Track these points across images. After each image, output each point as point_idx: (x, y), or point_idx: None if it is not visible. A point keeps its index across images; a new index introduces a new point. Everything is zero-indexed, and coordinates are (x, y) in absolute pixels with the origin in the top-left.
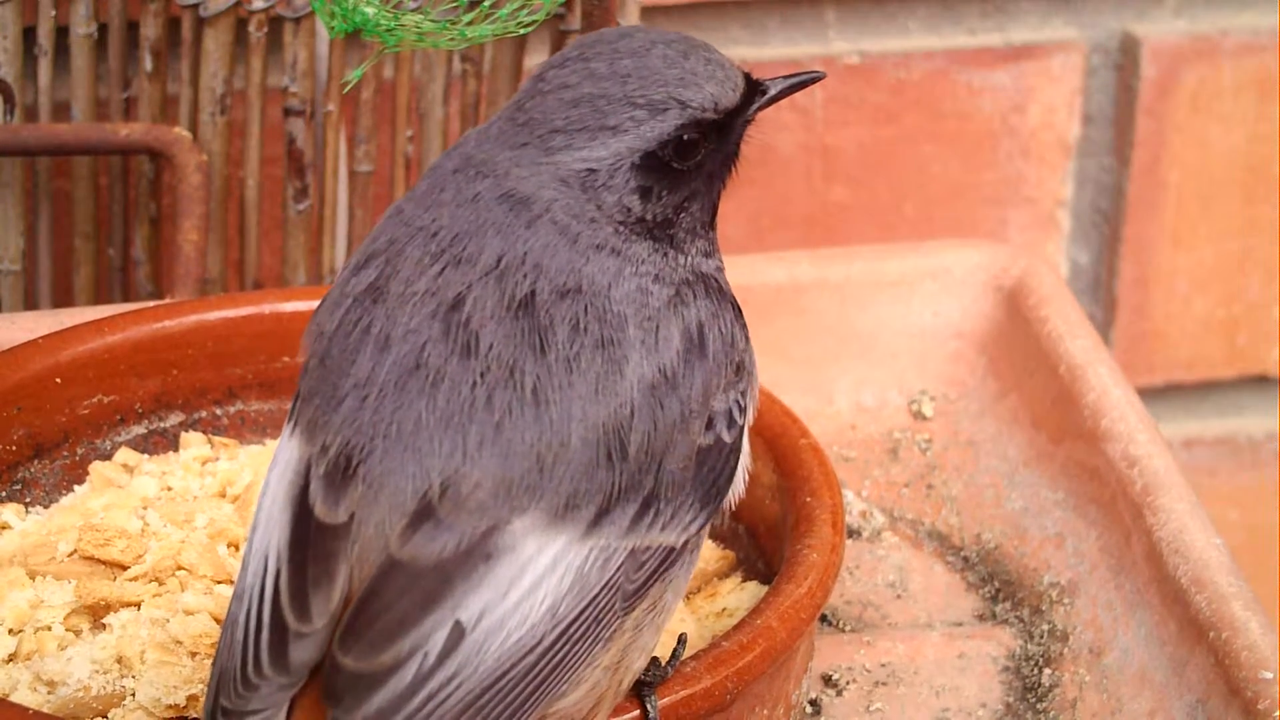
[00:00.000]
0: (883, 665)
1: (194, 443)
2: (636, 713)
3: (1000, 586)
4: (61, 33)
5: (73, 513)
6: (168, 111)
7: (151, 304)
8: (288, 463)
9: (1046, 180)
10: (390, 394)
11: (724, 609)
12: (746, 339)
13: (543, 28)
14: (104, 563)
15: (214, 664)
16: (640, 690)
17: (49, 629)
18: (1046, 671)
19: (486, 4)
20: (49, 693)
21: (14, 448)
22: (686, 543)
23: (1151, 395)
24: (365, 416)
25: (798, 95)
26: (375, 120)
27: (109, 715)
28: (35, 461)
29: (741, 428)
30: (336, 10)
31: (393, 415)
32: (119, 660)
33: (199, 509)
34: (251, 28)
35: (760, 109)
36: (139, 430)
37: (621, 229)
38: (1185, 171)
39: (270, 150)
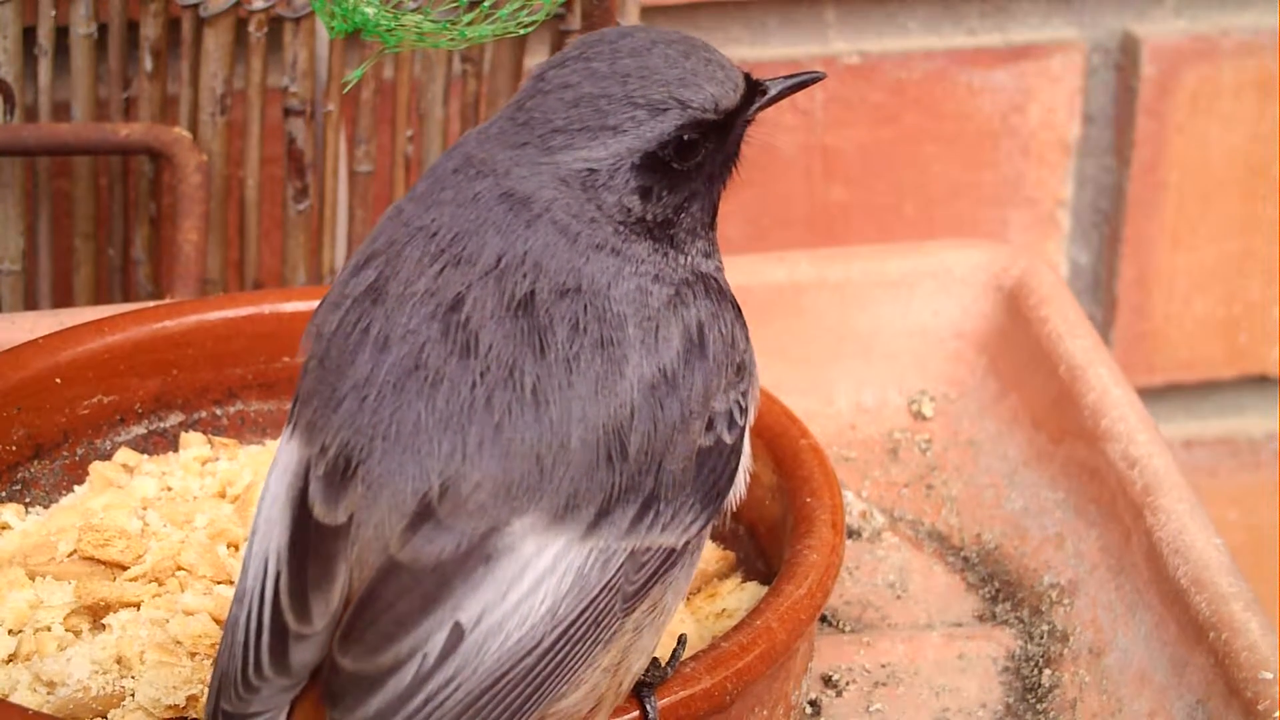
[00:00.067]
0: (883, 666)
1: (194, 443)
2: (636, 713)
3: (1000, 587)
4: (61, 33)
5: (73, 513)
6: (168, 111)
7: (151, 304)
8: (287, 465)
9: (1046, 180)
10: (389, 395)
11: (724, 610)
12: (747, 339)
13: (543, 28)
14: (104, 563)
15: (215, 666)
16: (640, 691)
17: (49, 629)
18: (1046, 672)
19: (486, 4)
20: (49, 693)
21: (14, 448)
22: (687, 544)
23: (1151, 395)
24: (364, 418)
25: (798, 95)
26: (375, 120)
27: (108, 715)
28: (35, 461)
29: (742, 429)
30: (336, 10)
31: (392, 416)
32: (119, 661)
33: (199, 509)
34: (251, 28)
35: (760, 109)
36: (139, 430)
37: (621, 229)
38: (1185, 171)
39: (270, 150)
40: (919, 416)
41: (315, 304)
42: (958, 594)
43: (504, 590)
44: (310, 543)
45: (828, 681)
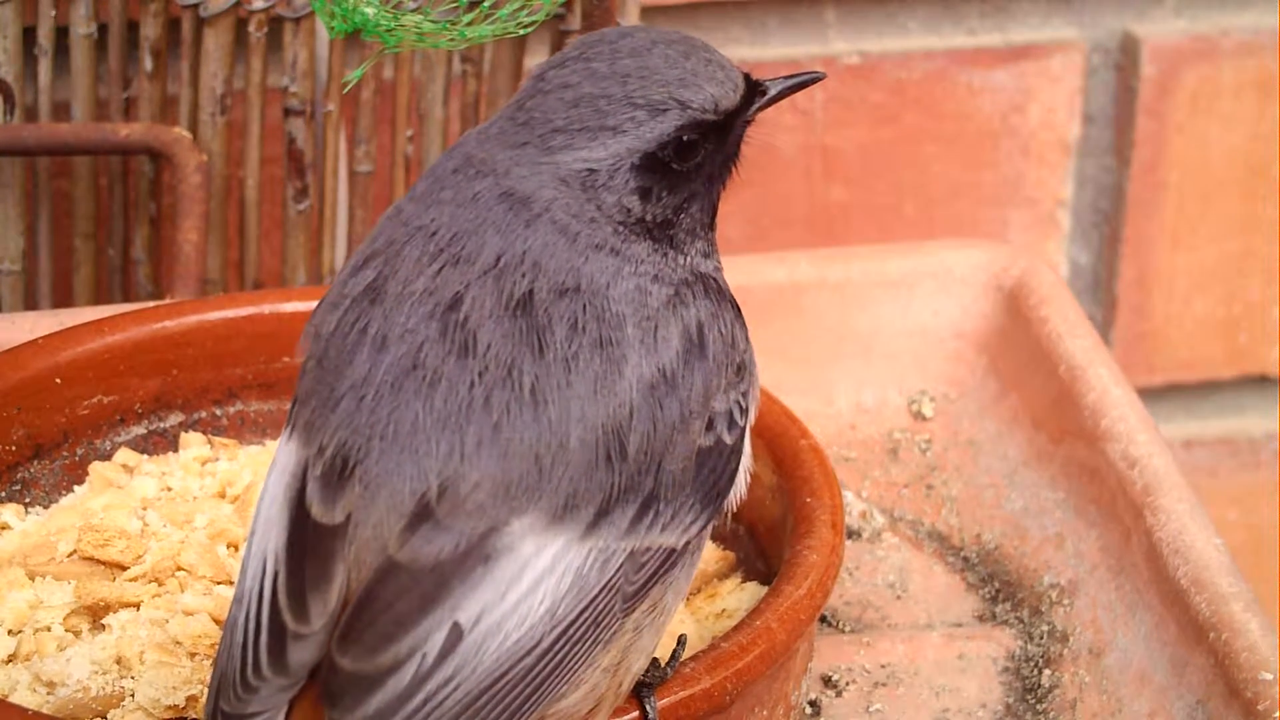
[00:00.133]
0: (882, 666)
1: (194, 443)
2: (636, 713)
3: (1000, 587)
4: (61, 33)
5: (72, 513)
6: (168, 111)
7: (151, 304)
8: (285, 465)
9: (1046, 180)
10: (387, 395)
11: (724, 610)
12: (747, 339)
13: (543, 28)
14: (103, 563)
15: (214, 667)
16: (640, 691)
17: (48, 629)
18: (1046, 672)
19: (486, 4)
20: (48, 693)
21: (14, 448)
22: (687, 544)
23: (1151, 395)
24: (362, 418)
25: (798, 96)
26: (375, 120)
27: (108, 716)
28: (35, 461)
29: (743, 429)
30: (336, 10)
31: (389, 416)
32: (118, 661)
33: (199, 509)
34: (251, 28)
35: (760, 109)
36: (139, 430)
37: (621, 229)
38: (1185, 171)
39: (270, 150)
40: (919, 416)
41: (315, 304)
42: (958, 594)
43: (503, 590)
44: (308, 543)
45: (828, 682)
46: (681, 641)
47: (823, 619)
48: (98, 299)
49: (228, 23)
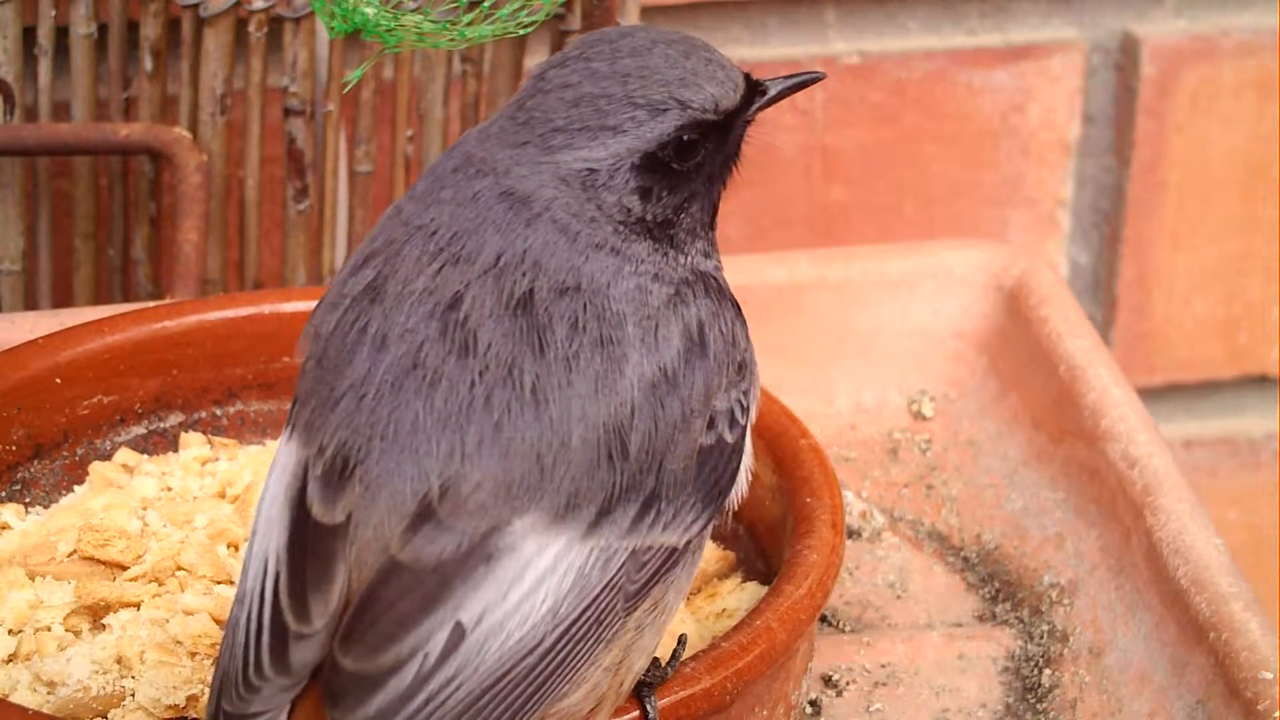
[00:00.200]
0: (883, 666)
1: (194, 443)
2: (636, 713)
3: (1000, 587)
4: (61, 33)
5: (72, 513)
6: (168, 111)
7: (151, 304)
8: (285, 465)
9: (1046, 180)
10: (387, 394)
11: (724, 609)
12: (748, 338)
13: (543, 28)
14: (104, 563)
15: (216, 667)
16: (640, 691)
17: (49, 629)
18: (1046, 672)
19: (486, 4)
20: (49, 693)
21: (14, 448)
22: (689, 543)
23: (1151, 395)
24: (362, 417)
25: (798, 95)
26: (375, 120)
27: (109, 715)
28: (35, 461)
29: (744, 428)
30: (336, 10)
31: (390, 416)
32: (119, 660)
33: (199, 509)
34: (251, 28)
35: (760, 109)
36: (139, 430)
37: (621, 229)
38: (1185, 171)
39: (270, 150)
40: (919, 416)
41: (315, 304)
42: (958, 594)
43: (505, 590)
44: (309, 542)
45: (828, 681)
46: (682, 641)
47: (823, 619)
48: (98, 299)
49: (228, 23)
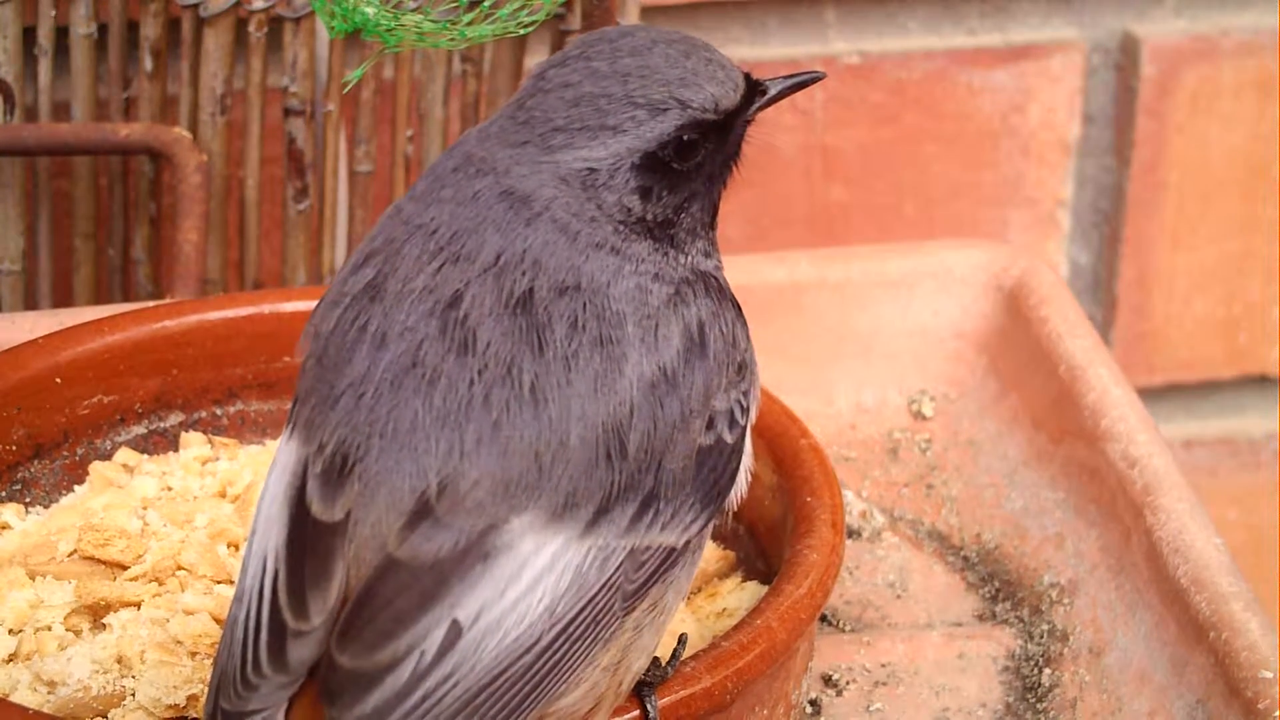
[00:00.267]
0: (883, 665)
1: (194, 443)
2: (636, 712)
3: (1000, 586)
4: (61, 33)
5: (73, 513)
6: (168, 111)
7: (151, 304)
8: (285, 463)
9: (1046, 180)
10: (386, 392)
11: (724, 609)
12: (748, 338)
13: (543, 28)
14: (104, 563)
15: (214, 665)
16: (640, 690)
17: (49, 629)
18: (1046, 671)
19: (486, 4)
20: (49, 693)
21: (14, 448)
22: (688, 543)
23: (1151, 395)
24: (361, 415)
25: (798, 95)
26: (375, 120)
27: (109, 715)
28: (35, 461)
29: (744, 428)
30: (336, 10)
31: (389, 414)
32: (119, 660)
33: (199, 509)
34: (251, 28)
35: (760, 109)
36: (139, 430)
37: (621, 228)
38: (1185, 171)
39: (270, 150)
40: (919, 416)
41: (315, 304)
42: (958, 594)
43: (502, 588)
44: (308, 540)
45: (828, 681)
46: (682, 640)
47: (823, 618)
48: (98, 299)
49: (228, 23)
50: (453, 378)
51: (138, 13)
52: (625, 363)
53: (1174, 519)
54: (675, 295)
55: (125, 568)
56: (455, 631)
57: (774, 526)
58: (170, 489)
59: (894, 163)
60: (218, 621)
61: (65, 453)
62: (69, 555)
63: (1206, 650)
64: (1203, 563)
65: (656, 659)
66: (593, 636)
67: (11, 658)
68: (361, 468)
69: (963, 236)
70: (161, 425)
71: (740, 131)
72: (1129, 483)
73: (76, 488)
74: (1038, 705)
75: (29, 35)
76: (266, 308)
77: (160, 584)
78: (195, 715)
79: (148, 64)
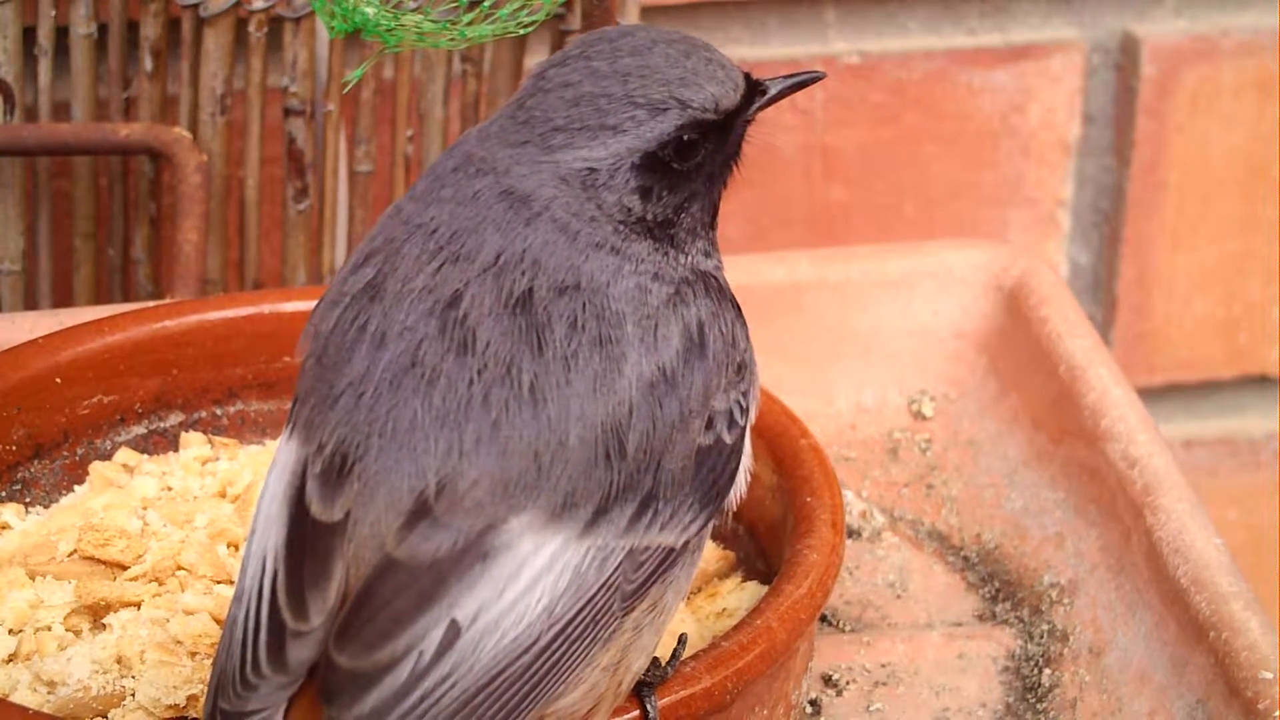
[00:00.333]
0: (883, 665)
1: (194, 443)
2: (636, 713)
3: (1000, 586)
4: (61, 33)
5: (73, 513)
6: (168, 111)
7: (151, 304)
8: (285, 463)
9: (1046, 180)
10: (385, 392)
11: (724, 609)
12: (747, 339)
13: (543, 28)
14: (104, 563)
15: (213, 665)
16: (640, 690)
17: (49, 629)
18: (1046, 672)
19: (486, 4)
20: (49, 693)
21: (14, 448)
22: (687, 543)
23: (1151, 395)
24: (360, 415)
25: (798, 95)
26: (375, 120)
27: (109, 715)
28: (35, 461)
29: (743, 428)
30: (336, 10)
31: (388, 414)
32: (119, 660)
33: (199, 509)
34: (251, 28)
35: (760, 109)
36: (139, 430)
37: (621, 228)
38: (1185, 171)
39: (270, 150)
40: (919, 416)
41: (315, 304)
42: (958, 594)
43: (500, 588)
44: (307, 540)
45: (828, 681)
46: (682, 640)
47: (823, 618)
48: (98, 299)
49: (228, 23)
50: (452, 377)
51: (138, 13)
52: (624, 363)
53: (1174, 519)
54: (675, 295)
55: (125, 568)
56: (453, 631)
57: (774, 526)
58: (170, 489)
59: (894, 163)
60: (218, 621)
61: (65, 453)
62: (69, 555)
63: (1206, 650)
64: (1203, 563)
65: (656, 659)
66: (591, 637)
67: (11, 658)
68: (361, 467)
69: (963, 236)
70: (161, 425)
71: (740, 131)
72: (1129, 483)
73: (76, 488)
74: (1038, 705)
75: (29, 35)
76: (266, 308)
77: (160, 584)
78: (195, 715)
79: (148, 64)
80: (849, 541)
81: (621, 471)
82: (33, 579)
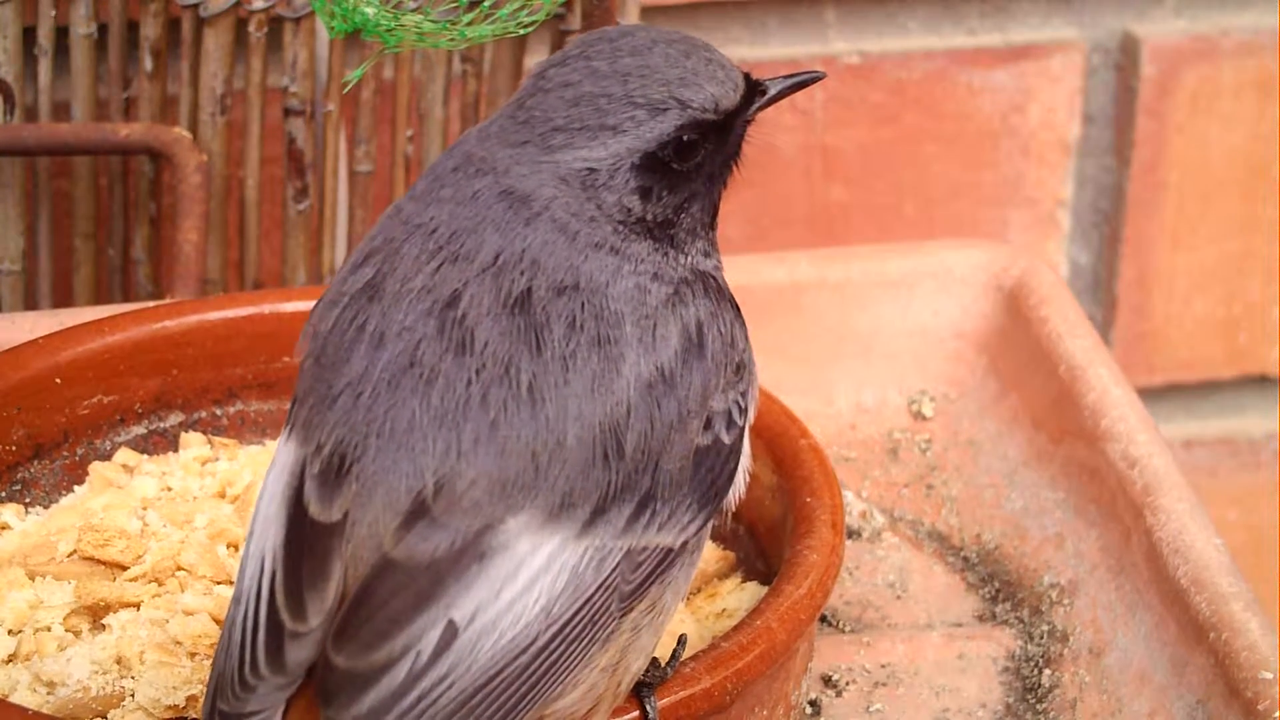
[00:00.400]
0: (883, 666)
1: (194, 443)
2: (636, 713)
3: (1000, 587)
4: (61, 33)
5: (72, 513)
6: (168, 111)
7: (151, 304)
8: (283, 464)
9: (1046, 180)
10: (384, 392)
11: (724, 609)
12: (746, 339)
13: (543, 28)
14: (104, 563)
15: (212, 666)
16: (640, 691)
17: (49, 629)
18: (1046, 672)
19: (486, 4)
20: (48, 693)
21: (14, 448)
22: (685, 544)
23: (1151, 395)
24: (359, 415)
25: (798, 95)
26: (375, 120)
27: (108, 715)
28: (35, 461)
29: (741, 429)
30: (336, 10)
31: (386, 414)
32: (118, 661)
33: (199, 509)
34: (251, 28)
35: (760, 109)
36: (139, 430)
37: (621, 228)
38: (1185, 171)
39: (270, 150)
40: (919, 416)
41: (315, 303)
42: (958, 594)
43: (498, 588)
44: (305, 541)
45: (828, 681)
46: (681, 641)
47: (823, 619)
48: (98, 299)
49: (228, 23)
50: (450, 377)
51: (138, 13)
52: (623, 363)
53: (1174, 519)
54: (674, 295)
55: (125, 568)
56: (451, 632)
57: (774, 527)
58: (170, 489)
59: (894, 163)
60: (217, 622)
61: (65, 453)
62: (69, 555)
63: (1206, 651)
64: (1203, 563)
65: (656, 660)
66: (589, 637)
67: (11, 658)
68: (359, 468)
69: (963, 236)
70: (161, 425)
71: (740, 131)
72: (1129, 483)
73: (76, 488)
74: (1038, 706)
75: (29, 35)
76: (266, 308)
77: (160, 584)
78: (194, 716)
79: (148, 64)
80: (849, 542)
81: (619, 472)
82: (32, 579)
